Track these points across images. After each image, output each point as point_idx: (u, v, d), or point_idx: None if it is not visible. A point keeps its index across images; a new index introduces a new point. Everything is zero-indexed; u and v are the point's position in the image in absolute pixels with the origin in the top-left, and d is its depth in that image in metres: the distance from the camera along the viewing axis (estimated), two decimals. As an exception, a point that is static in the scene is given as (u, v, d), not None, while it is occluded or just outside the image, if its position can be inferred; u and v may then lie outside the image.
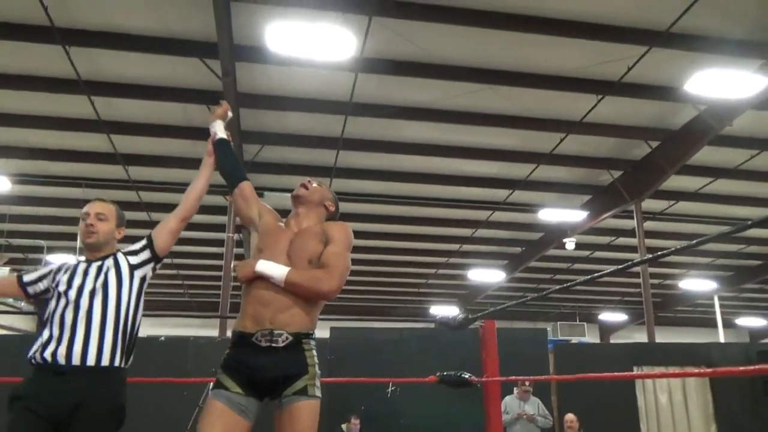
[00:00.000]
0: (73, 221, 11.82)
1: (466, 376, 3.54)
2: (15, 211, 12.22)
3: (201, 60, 7.39)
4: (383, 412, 7.37)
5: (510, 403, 6.68)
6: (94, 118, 8.46)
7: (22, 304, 10.69)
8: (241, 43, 7.18)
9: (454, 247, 14.93)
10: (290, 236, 2.36)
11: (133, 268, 2.44)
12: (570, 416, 6.93)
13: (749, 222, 2.12)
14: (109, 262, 2.42)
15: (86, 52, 7.22)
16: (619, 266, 2.84)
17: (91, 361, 2.21)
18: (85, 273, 2.37)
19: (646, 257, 2.64)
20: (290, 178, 10.90)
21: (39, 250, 12.28)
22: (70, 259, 11.32)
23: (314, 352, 2.20)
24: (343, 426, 7.02)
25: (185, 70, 7.76)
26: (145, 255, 2.51)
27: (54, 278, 2.41)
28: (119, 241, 2.59)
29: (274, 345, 2.10)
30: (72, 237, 12.05)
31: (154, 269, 2.54)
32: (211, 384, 2.15)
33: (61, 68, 7.40)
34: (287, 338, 2.12)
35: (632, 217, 11.28)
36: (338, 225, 2.44)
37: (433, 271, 17.20)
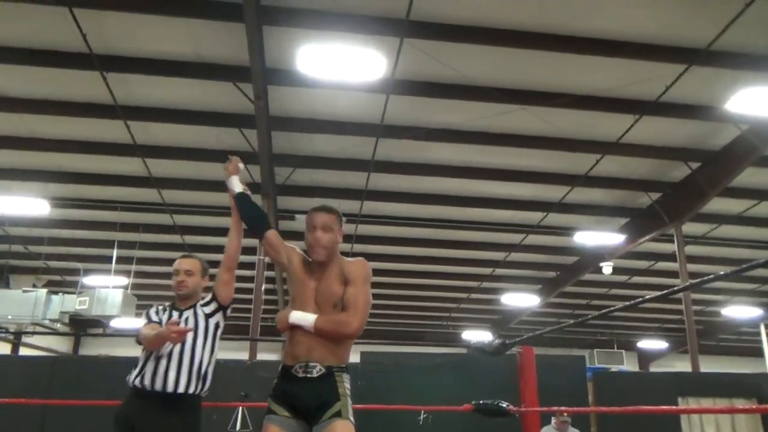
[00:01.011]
0: (109, 244, 12.06)
1: (504, 405, 3.37)
2: (53, 233, 12.48)
3: (233, 84, 7.46)
4: (415, 441, 7.15)
5: (547, 434, 6.40)
6: (129, 143, 8.61)
7: (58, 325, 10.84)
8: (273, 66, 7.23)
9: (487, 270, 14.67)
10: (315, 284, 2.59)
11: (207, 317, 2.98)
12: (611, 449, 6.62)
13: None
14: (190, 312, 2.97)
15: (122, 78, 7.37)
16: (661, 292, 2.68)
17: (169, 388, 2.76)
18: (170, 317, 2.92)
19: (688, 283, 2.48)
20: (321, 201, 10.86)
21: (75, 272, 12.47)
22: (107, 280, 11.45)
23: (346, 384, 2.46)
24: (374, 454, 6.83)
25: (218, 93, 7.85)
26: (214, 306, 3.04)
27: (151, 316, 3.01)
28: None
29: (309, 376, 2.42)
30: (107, 260, 12.24)
31: (225, 315, 3.09)
32: (265, 410, 2.51)
33: (98, 94, 7.55)
34: (321, 370, 2.43)
35: (672, 241, 10.91)
36: (355, 264, 2.63)
37: (465, 295, 16.92)
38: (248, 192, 2.99)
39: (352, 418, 2.36)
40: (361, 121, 8.42)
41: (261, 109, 7.46)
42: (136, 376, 2.78)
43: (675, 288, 2.55)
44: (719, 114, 7.83)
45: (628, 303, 2.99)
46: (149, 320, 2.98)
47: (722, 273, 2.25)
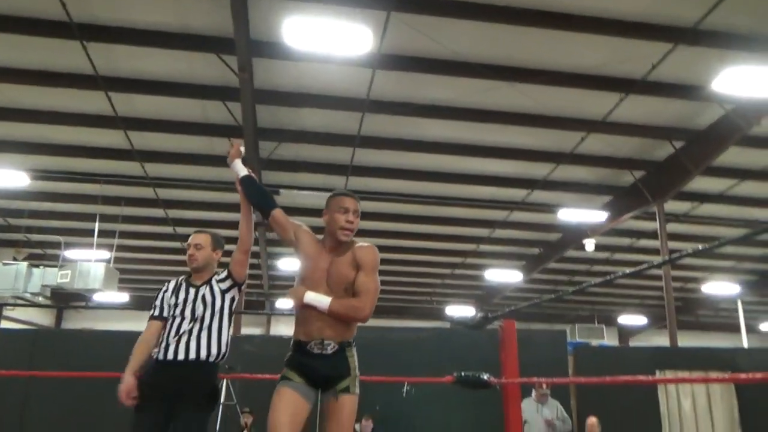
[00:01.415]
0: (91, 217, 11.94)
1: (485, 377, 3.42)
2: (34, 206, 12.32)
3: (218, 56, 7.34)
4: (398, 413, 7.27)
5: (527, 407, 6.51)
6: (111, 114, 8.48)
7: (40, 298, 10.76)
8: (258, 38, 7.13)
9: (472, 247, 14.78)
10: (326, 266, 2.73)
11: (223, 292, 3.11)
12: (592, 420, 6.78)
13: (749, 231, 2.00)
14: (206, 289, 3.10)
15: (104, 47, 7.23)
16: (636, 268, 2.71)
17: (191, 356, 2.94)
18: (188, 294, 3.10)
19: (664, 260, 2.52)
20: (306, 175, 10.85)
21: (57, 245, 12.35)
22: (89, 254, 11.37)
23: (355, 358, 2.71)
24: (356, 426, 6.93)
25: (202, 65, 7.73)
26: (229, 282, 3.15)
27: (165, 298, 3.15)
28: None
29: (324, 352, 2.63)
30: (89, 233, 12.13)
31: (239, 291, 3.21)
32: (279, 378, 2.70)
33: (78, 64, 7.41)
34: (334, 347, 2.64)
35: (654, 219, 11.05)
36: (367, 251, 2.78)
37: (449, 271, 17.05)
38: (253, 174, 3.06)
39: (357, 390, 2.66)
40: (348, 96, 8.35)
41: (245, 82, 7.36)
42: (160, 351, 2.96)
43: (653, 263, 2.60)
44: (705, 94, 7.87)
45: (607, 277, 3.02)
46: (160, 312, 3.13)
47: (696, 249, 2.29)
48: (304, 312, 2.68)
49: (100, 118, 8.84)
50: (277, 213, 2.91)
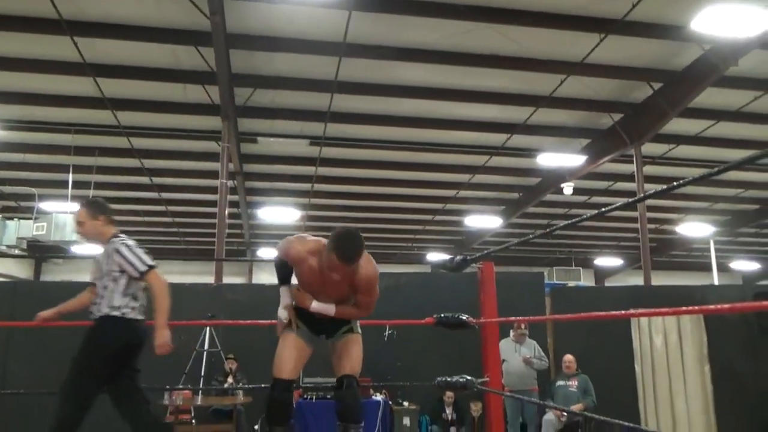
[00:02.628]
0: (65, 168, 11.69)
1: (464, 318, 3.49)
2: (5, 158, 12.01)
3: (187, -3, 7.07)
4: (380, 355, 7.42)
5: (505, 347, 6.70)
6: (78, 61, 8.18)
7: (16, 251, 10.63)
8: (229, -22, 6.86)
9: (451, 193, 14.83)
10: (324, 281, 2.80)
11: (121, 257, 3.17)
12: (568, 357, 7.00)
13: (727, 164, 2.02)
14: (109, 248, 3.23)
15: (66, -11, 6.90)
16: (603, 209, 2.74)
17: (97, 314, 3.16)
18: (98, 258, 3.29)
19: (632, 200, 2.55)
20: (283, 123, 10.68)
21: (31, 198, 12.12)
22: (64, 206, 11.19)
23: (358, 323, 3.04)
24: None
25: (171, 9, 7.45)
26: (132, 269, 3.18)
27: None
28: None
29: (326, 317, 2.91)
30: (64, 185, 11.90)
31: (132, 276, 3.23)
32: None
33: (40, 7, 7.09)
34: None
35: (631, 162, 11.14)
36: (366, 274, 2.79)
37: (430, 217, 17.16)
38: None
39: (360, 331, 2.98)
40: (324, 39, 8.14)
41: (217, 26, 7.11)
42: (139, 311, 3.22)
43: (616, 205, 2.62)
44: (684, 33, 7.81)
45: (574, 220, 3.01)
46: None
47: (657, 190, 2.32)
48: (301, 294, 2.95)
49: (68, 64, 8.53)
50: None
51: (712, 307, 2.05)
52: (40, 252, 18.04)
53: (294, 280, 3.00)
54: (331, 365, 2.90)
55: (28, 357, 7.25)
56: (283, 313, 2.91)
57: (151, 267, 3.15)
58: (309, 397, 6.81)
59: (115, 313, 3.04)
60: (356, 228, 2.74)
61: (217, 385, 7.68)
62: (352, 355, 2.87)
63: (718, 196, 15.35)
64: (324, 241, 2.77)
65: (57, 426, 2.88)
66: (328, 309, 2.82)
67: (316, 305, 2.82)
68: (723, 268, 21.09)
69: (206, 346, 7.81)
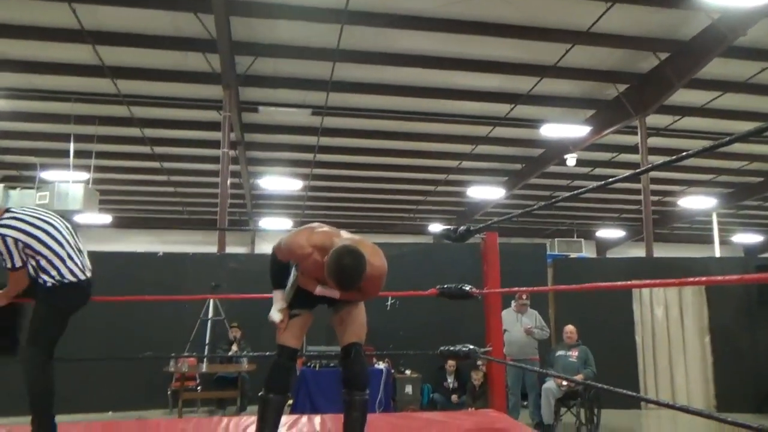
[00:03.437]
0: (66, 138, 11.65)
1: (467, 288, 3.50)
2: (5, 127, 11.95)
3: (187, -38, 6.93)
4: (383, 325, 7.49)
5: (507, 317, 6.74)
6: (77, 28, 8.06)
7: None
8: (230, -57, 6.71)
9: (454, 163, 14.77)
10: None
11: None
12: (569, 327, 7.04)
13: (733, 136, 2.00)
14: None
15: (64, -47, 6.77)
16: (608, 180, 2.70)
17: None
18: None
19: (637, 171, 2.52)
20: (285, 92, 10.58)
21: (32, 167, 12.09)
22: (66, 175, 11.16)
23: None
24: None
25: (171, -26, 7.31)
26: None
27: None
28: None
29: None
30: (65, 154, 11.87)
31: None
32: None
33: (38, -28, 6.96)
34: None
35: (636, 133, 11.05)
36: (376, 278, 2.68)
37: (432, 188, 17.12)
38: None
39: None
40: (325, 6, 8.01)
41: (218, -8, 7.00)
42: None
43: (617, 177, 2.60)
44: (692, 2, 7.68)
45: (576, 192, 2.95)
46: None
47: (657, 163, 2.29)
48: (305, 278, 2.84)
49: (66, 31, 8.40)
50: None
51: (716, 278, 2.04)
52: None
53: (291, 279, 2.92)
54: (335, 332, 2.87)
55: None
56: (277, 316, 2.78)
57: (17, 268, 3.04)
58: (312, 365, 6.89)
59: None
60: (357, 251, 2.49)
61: (221, 353, 7.78)
62: (357, 322, 2.83)
63: (723, 169, 15.27)
64: (332, 239, 2.66)
65: None
66: (333, 293, 2.74)
67: (321, 289, 2.76)
68: (725, 241, 21.11)
69: (210, 315, 7.88)
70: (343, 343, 2.80)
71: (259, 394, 2.76)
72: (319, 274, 2.63)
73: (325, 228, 2.75)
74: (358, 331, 2.82)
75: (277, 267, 2.85)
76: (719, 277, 2.00)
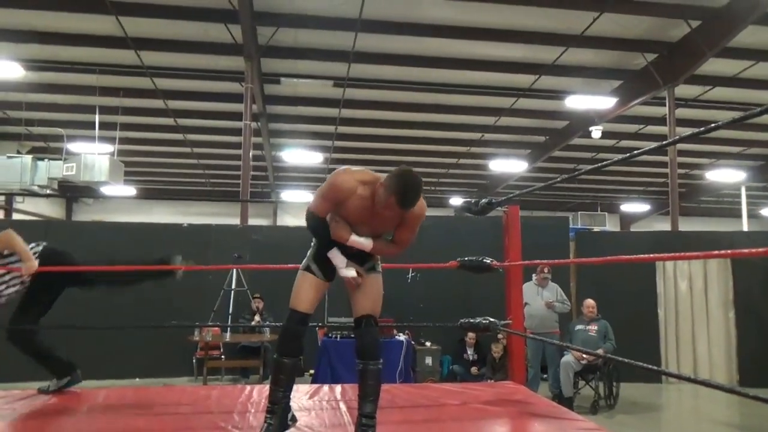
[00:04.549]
0: (91, 109, 11.77)
1: (488, 261, 3.49)
2: (32, 98, 12.11)
3: (208, -69, 6.86)
4: (403, 296, 7.53)
5: (528, 290, 6.73)
6: (100, -1, 8.08)
7: (47, 191, 10.85)
8: None
9: (476, 136, 14.62)
10: (371, 216, 2.69)
11: None
12: (589, 301, 7.00)
13: (763, 107, 1.93)
14: None
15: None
16: (634, 152, 2.65)
17: None
18: None
19: (664, 143, 2.47)
20: (307, 63, 10.52)
21: (59, 138, 12.26)
22: (92, 147, 11.33)
23: (379, 262, 2.90)
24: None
25: (192, -57, 7.25)
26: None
27: None
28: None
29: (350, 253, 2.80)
30: (90, 126, 12.01)
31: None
32: (303, 264, 2.86)
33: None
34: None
35: (663, 104, 10.80)
36: (415, 212, 2.71)
37: (454, 160, 17.00)
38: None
39: (380, 269, 2.88)
40: (347, -25, 7.90)
41: (239, -39, 6.94)
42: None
43: (641, 150, 2.54)
44: (726, -34, 7.40)
45: (612, 160, 2.91)
46: None
47: (685, 135, 2.22)
48: (339, 224, 2.77)
49: (88, 2, 8.43)
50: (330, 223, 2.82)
51: (742, 251, 2.00)
52: (70, 192, 18.41)
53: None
54: (350, 303, 2.87)
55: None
56: (350, 272, 2.76)
57: None
58: (333, 335, 6.98)
59: None
60: (414, 170, 2.59)
61: (244, 323, 7.92)
62: (372, 295, 2.83)
63: (753, 141, 14.88)
64: (374, 174, 2.69)
65: None
66: (366, 243, 2.74)
67: (354, 238, 2.72)
68: (754, 215, 20.69)
69: (233, 286, 8.00)
70: (355, 314, 2.82)
71: (273, 356, 2.80)
72: (362, 213, 2.65)
73: (360, 168, 2.78)
74: (373, 304, 2.82)
75: (318, 224, 2.78)
76: (745, 250, 1.96)
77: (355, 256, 2.78)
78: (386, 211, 2.59)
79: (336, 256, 2.77)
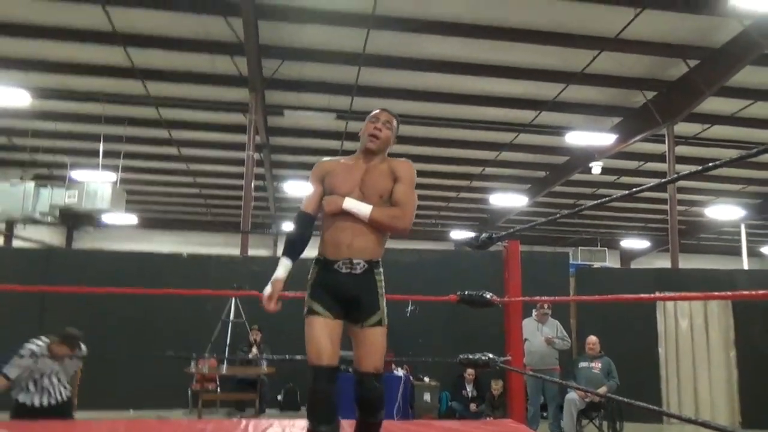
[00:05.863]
0: (95, 138, 11.87)
1: (488, 296, 3.48)
2: (38, 126, 12.22)
3: (216, -33, 7.04)
4: (402, 331, 7.47)
5: (528, 326, 6.67)
6: (109, 30, 8.23)
7: (49, 218, 10.88)
8: (258, -52, 6.79)
9: (477, 170, 14.71)
10: (360, 175, 2.62)
11: None
12: (592, 338, 6.94)
13: (765, 145, 1.95)
14: None
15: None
16: (634, 189, 2.67)
17: None
18: None
19: (665, 180, 2.48)
20: (310, 96, 10.65)
21: (63, 166, 12.34)
22: (95, 175, 11.37)
23: (383, 281, 2.63)
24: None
25: (200, -22, 7.42)
26: None
27: None
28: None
29: (353, 272, 2.54)
30: (94, 154, 12.09)
31: None
32: (305, 309, 2.59)
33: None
34: (364, 266, 2.55)
35: (663, 141, 10.89)
36: (404, 164, 2.68)
37: (454, 194, 17.06)
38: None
39: (386, 321, 2.59)
40: (352, 11, 8.06)
41: (246, -4, 7.09)
42: None
43: (644, 186, 2.56)
44: (723, 8, 7.54)
45: (612, 196, 2.94)
46: None
47: (687, 172, 2.24)
48: (335, 223, 2.56)
49: (97, 33, 8.59)
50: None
51: (742, 293, 2.00)
52: (72, 220, 18.44)
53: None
54: (353, 354, 2.58)
55: (62, 321, 7.45)
56: (267, 289, 2.59)
57: None
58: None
59: None
60: None
61: (242, 356, 7.84)
62: (378, 351, 2.52)
63: (752, 179, 14.96)
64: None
65: None
66: (364, 208, 2.50)
67: (349, 202, 2.50)
68: (754, 253, 20.66)
69: (231, 317, 7.95)
70: (358, 368, 2.55)
71: (307, 429, 2.47)
72: (351, 177, 2.60)
73: None
74: (377, 362, 2.53)
75: (299, 224, 2.67)
76: (746, 292, 1.95)
77: (362, 310, 2.53)
78: (372, 161, 2.64)
79: (281, 266, 2.62)
